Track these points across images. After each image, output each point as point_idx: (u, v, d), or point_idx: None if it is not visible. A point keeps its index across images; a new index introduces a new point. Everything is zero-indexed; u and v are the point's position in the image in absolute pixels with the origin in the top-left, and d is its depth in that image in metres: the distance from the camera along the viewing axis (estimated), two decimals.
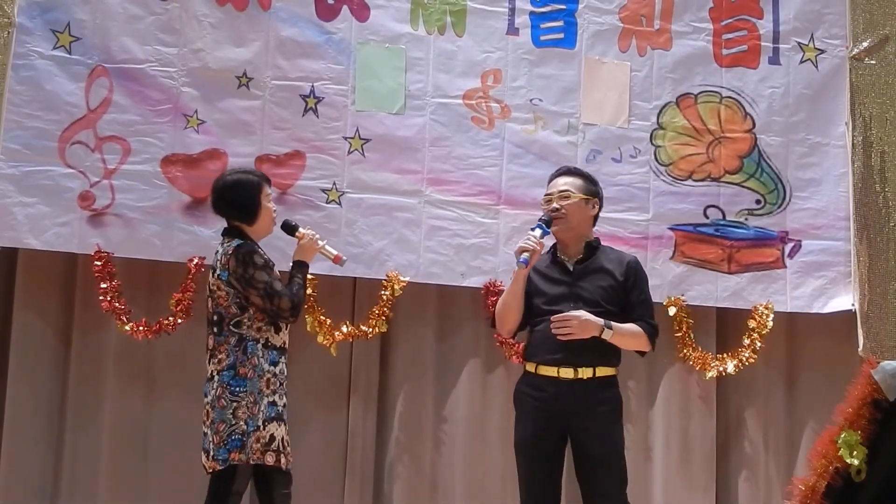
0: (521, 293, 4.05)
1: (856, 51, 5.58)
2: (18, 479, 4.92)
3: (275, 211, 4.25)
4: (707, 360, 5.35)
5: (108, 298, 4.88)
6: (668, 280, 5.34)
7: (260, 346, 4.06)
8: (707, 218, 5.44)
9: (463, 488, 5.23)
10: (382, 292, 5.10)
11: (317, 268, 4.64)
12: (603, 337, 3.93)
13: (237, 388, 4.03)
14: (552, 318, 3.95)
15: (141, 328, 4.92)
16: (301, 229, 4.29)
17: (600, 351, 3.97)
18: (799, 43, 5.58)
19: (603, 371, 3.98)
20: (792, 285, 5.46)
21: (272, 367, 4.07)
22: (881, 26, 5.59)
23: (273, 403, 4.04)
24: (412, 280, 5.15)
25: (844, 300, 5.45)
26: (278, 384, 4.07)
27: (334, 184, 5.12)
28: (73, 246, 4.93)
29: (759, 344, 5.35)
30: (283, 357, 4.12)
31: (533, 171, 5.27)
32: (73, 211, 4.91)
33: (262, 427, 4.01)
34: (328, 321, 5.03)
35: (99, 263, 4.88)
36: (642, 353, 4.22)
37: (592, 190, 4.18)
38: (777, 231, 5.49)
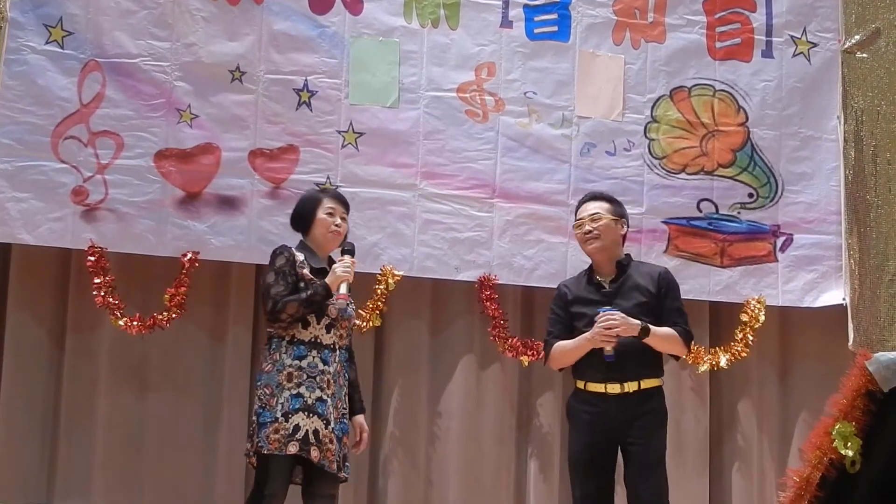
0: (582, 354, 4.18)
1: (848, 44, 5.59)
2: (13, 476, 4.89)
3: (336, 225, 4.28)
4: (699, 353, 5.37)
5: (102, 293, 4.87)
6: None
7: (285, 342, 4.14)
8: (700, 211, 5.46)
9: (457, 482, 5.23)
10: (376, 286, 5.10)
11: None
12: (640, 336, 4.06)
13: (258, 382, 4.15)
14: (598, 317, 4.07)
15: (135, 323, 4.90)
16: (348, 258, 4.24)
17: (643, 364, 4.14)
18: (792, 36, 5.59)
19: (647, 383, 4.15)
20: (783, 279, 5.48)
21: (296, 361, 4.10)
22: (873, 20, 5.60)
23: (298, 395, 4.05)
24: (406, 274, 5.15)
25: (835, 294, 5.47)
26: (305, 377, 4.08)
27: (328, 178, 5.12)
28: (66, 241, 4.91)
29: (751, 338, 5.37)
30: (315, 351, 4.12)
31: (527, 165, 5.29)
32: (67, 206, 4.89)
33: (280, 418, 4.01)
34: None
35: (92, 258, 4.86)
36: (677, 358, 4.39)
37: (620, 212, 4.35)
38: (769, 225, 5.51)
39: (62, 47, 4.95)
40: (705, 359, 5.36)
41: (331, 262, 4.32)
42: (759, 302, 5.40)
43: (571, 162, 5.34)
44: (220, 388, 5.08)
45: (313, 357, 4.11)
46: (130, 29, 5.01)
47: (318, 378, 4.09)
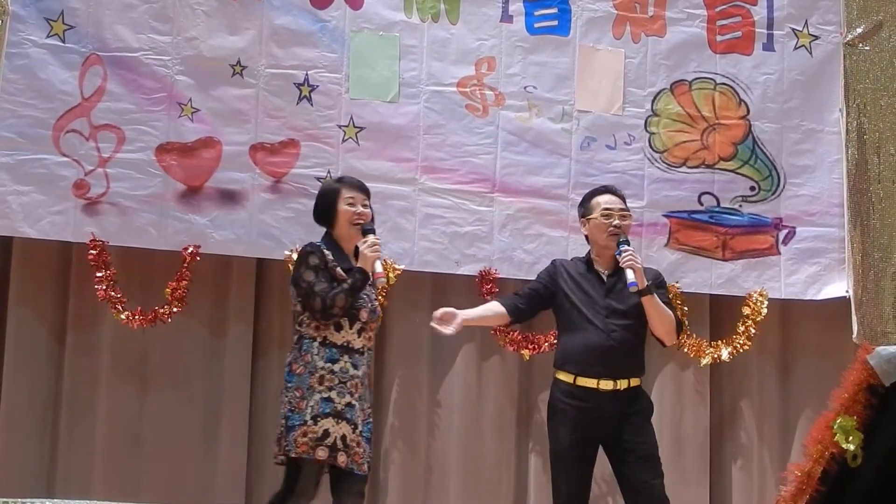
0: None
1: (850, 37, 5.58)
2: (13, 471, 4.90)
3: (358, 214, 4.18)
4: (701, 347, 5.37)
5: (104, 287, 4.88)
6: (662, 267, 5.28)
7: (316, 343, 4.04)
8: (701, 205, 5.45)
9: (458, 473, 5.24)
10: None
11: None
12: (648, 293, 4.11)
13: (288, 384, 4.04)
14: (628, 247, 4.14)
15: (136, 317, 4.91)
16: (370, 237, 4.16)
17: (635, 363, 4.23)
18: (793, 29, 5.58)
19: (636, 381, 4.22)
20: (786, 272, 5.48)
21: (329, 365, 4.01)
22: (875, 12, 5.60)
23: (328, 400, 3.96)
24: (407, 268, 5.15)
25: (838, 287, 5.47)
26: (336, 381, 3.99)
27: (329, 172, 5.11)
28: (67, 234, 4.92)
29: (753, 331, 5.37)
30: (347, 356, 4.04)
31: (527, 159, 5.29)
32: (68, 199, 4.90)
33: (310, 422, 3.94)
34: None
35: (94, 252, 4.87)
36: (664, 345, 4.38)
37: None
38: (771, 218, 5.50)
39: (63, 41, 4.96)
40: (707, 352, 5.36)
41: (356, 254, 4.23)
42: (761, 295, 5.39)
43: (572, 156, 5.34)
44: (220, 384, 5.08)
45: (345, 362, 4.02)
46: (131, 23, 5.02)
47: (348, 383, 4.01)
